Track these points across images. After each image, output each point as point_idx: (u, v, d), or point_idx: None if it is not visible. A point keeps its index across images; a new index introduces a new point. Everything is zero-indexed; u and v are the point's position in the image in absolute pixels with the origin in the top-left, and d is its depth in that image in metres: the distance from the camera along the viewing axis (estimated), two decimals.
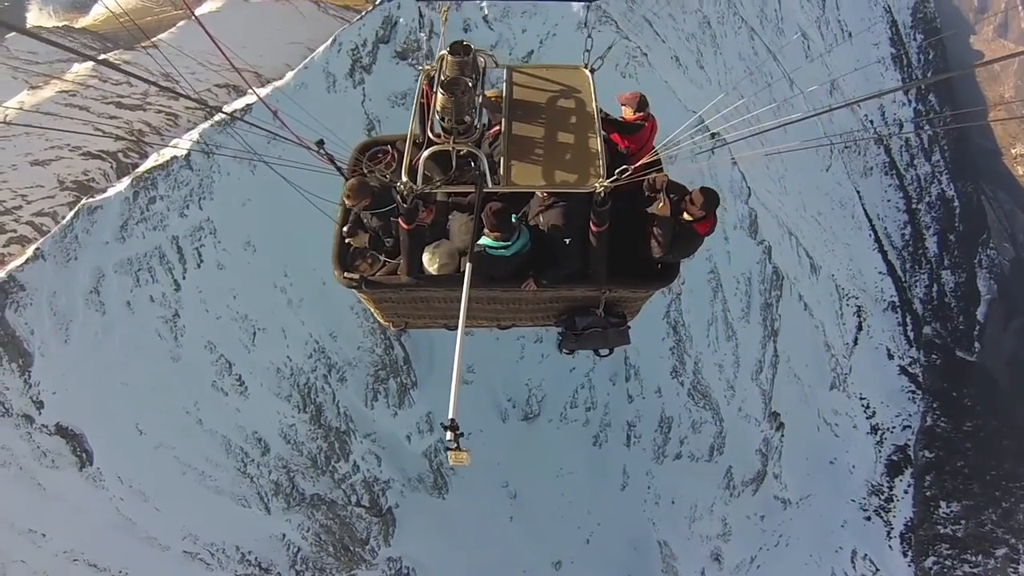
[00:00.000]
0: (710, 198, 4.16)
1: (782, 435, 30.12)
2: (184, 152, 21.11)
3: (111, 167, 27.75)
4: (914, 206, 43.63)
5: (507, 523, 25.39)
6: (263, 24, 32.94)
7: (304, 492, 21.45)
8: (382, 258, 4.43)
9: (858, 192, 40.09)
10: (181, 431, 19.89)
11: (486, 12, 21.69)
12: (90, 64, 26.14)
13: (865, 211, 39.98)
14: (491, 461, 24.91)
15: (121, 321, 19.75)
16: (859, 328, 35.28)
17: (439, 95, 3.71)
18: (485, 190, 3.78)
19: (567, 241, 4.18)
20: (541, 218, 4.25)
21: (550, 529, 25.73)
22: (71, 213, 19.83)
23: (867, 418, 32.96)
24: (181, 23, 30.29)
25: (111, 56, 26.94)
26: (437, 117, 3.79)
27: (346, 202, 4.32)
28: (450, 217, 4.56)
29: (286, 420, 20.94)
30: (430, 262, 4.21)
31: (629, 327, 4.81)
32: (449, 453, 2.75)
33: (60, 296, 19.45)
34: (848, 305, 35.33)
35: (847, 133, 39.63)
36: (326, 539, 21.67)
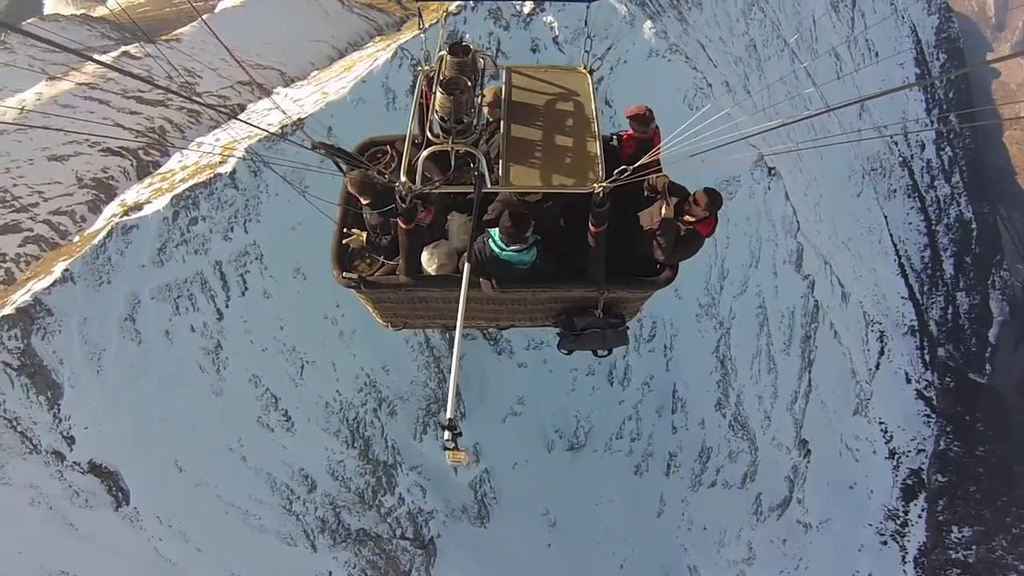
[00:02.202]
0: (714, 198, 4.05)
1: (808, 461, 30.53)
2: (210, 150, 19.33)
3: (131, 165, 25.73)
4: (933, 227, 44.01)
5: (545, 550, 25.23)
6: (287, 21, 30.71)
7: (350, 527, 20.72)
8: (380, 258, 4.41)
9: (886, 217, 40.14)
10: (224, 469, 18.80)
11: (556, 33, 20.17)
12: (111, 56, 23.66)
13: (891, 236, 40.14)
14: (534, 490, 24.56)
15: (159, 352, 18.31)
16: (881, 353, 35.72)
17: (438, 95, 3.67)
18: (484, 190, 3.77)
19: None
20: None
21: (586, 555, 25.70)
22: (103, 232, 17.98)
23: (885, 443, 33.68)
24: (205, 15, 27.72)
25: (131, 49, 24.42)
26: (436, 117, 3.75)
27: (349, 189, 4.27)
28: (449, 217, 4.55)
29: (334, 456, 20.02)
30: (429, 262, 4.22)
31: (628, 327, 4.76)
32: (447, 452, 2.69)
33: (91, 323, 17.85)
34: (872, 331, 35.65)
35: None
36: (371, 575, 21.09)
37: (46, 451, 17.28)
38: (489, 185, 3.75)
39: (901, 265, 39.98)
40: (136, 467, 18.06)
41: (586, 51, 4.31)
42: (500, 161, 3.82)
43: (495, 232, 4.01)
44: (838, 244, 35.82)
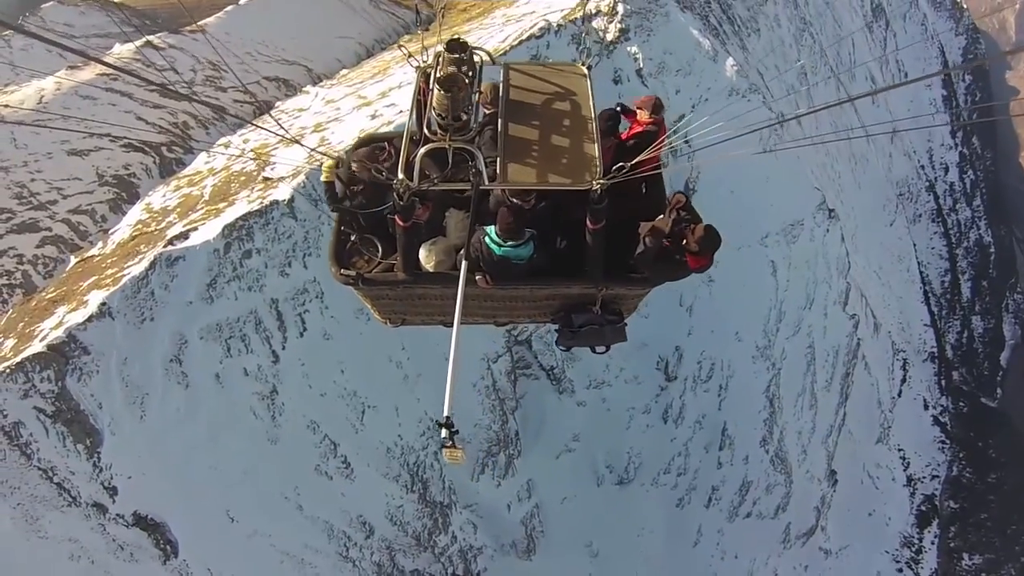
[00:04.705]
0: (709, 236, 4.01)
1: (835, 490, 30.99)
2: (237, 153, 17.40)
3: (154, 162, 23.64)
4: (954, 251, 44.31)
5: None
6: (313, 16, 28.56)
7: (404, 569, 20.08)
8: (378, 256, 4.43)
9: (914, 245, 40.11)
10: (278, 518, 17.80)
11: (641, 66, 18.59)
12: (133, 45, 21.00)
13: (919, 264, 40.21)
14: (580, 523, 24.27)
15: (208, 396, 16.91)
16: (903, 380, 36.17)
17: (436, 92, 3.66)
18: (481, 187, 3.77)
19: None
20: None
21: None
22: (146, 263, 16.08)
23: (904, 470, 34.44)
24: (229, 7, 25.01)
25: (155, 39, 21.78)
26: (434, 114, 3.73)
27: (352, 166, 4.30)
28: (447, 214, 4.54)
29: (394, 501, 19.17)
30: (427, 259, 4.25)
31: (626, 324, 4.75)
32: (444, 451, 2.70)
33: (133, 363, 16.29)
34: (897, 359, 35.98)
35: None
36: None
37: (86, 503, 15.97)
38: (487, 182, 3.71)
39: (925, 292, 40.23)
40: (185, 518, 16.90)
41: (585, 47, 4.15)
42: (498, 158, 3.80)
43: (491, 229, 4.00)
44: (869, 273, 35.73)
